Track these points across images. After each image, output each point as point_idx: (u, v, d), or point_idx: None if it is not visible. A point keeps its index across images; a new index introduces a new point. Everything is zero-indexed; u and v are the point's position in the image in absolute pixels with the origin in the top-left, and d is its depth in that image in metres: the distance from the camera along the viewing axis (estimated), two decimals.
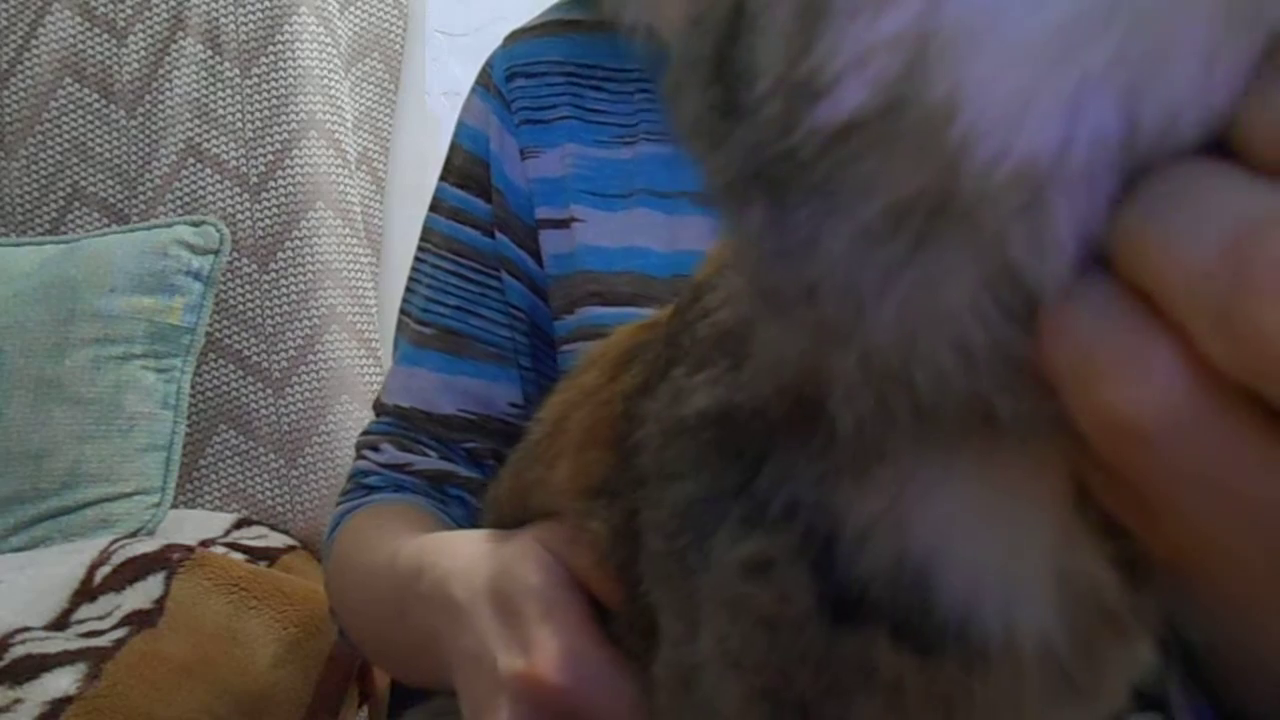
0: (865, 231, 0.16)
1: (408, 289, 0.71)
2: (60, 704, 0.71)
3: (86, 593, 0.89)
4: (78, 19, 1.32)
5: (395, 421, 0.67)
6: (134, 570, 0.91)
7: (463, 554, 0.46)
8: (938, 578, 0.23)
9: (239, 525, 1.16)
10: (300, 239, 1.28)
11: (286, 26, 1.31)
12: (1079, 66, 0.14)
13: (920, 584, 0.23)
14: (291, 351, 1.26)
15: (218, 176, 1.28)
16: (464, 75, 1.45)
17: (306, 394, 1.25)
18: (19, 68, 1.31)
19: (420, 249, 0.70)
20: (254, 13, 1.32)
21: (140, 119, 1.31)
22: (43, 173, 1.31)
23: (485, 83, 0.69)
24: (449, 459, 0.66)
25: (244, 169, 1.29)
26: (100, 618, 0.85)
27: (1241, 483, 0.15)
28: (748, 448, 0.27)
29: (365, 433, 0.70)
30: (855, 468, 0.23)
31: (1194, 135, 0.14)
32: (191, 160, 1.29)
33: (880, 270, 0.17)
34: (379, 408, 0.70)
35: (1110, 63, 0.14)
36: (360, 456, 0.68)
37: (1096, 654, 0.25)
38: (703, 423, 0.29)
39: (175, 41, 1.32)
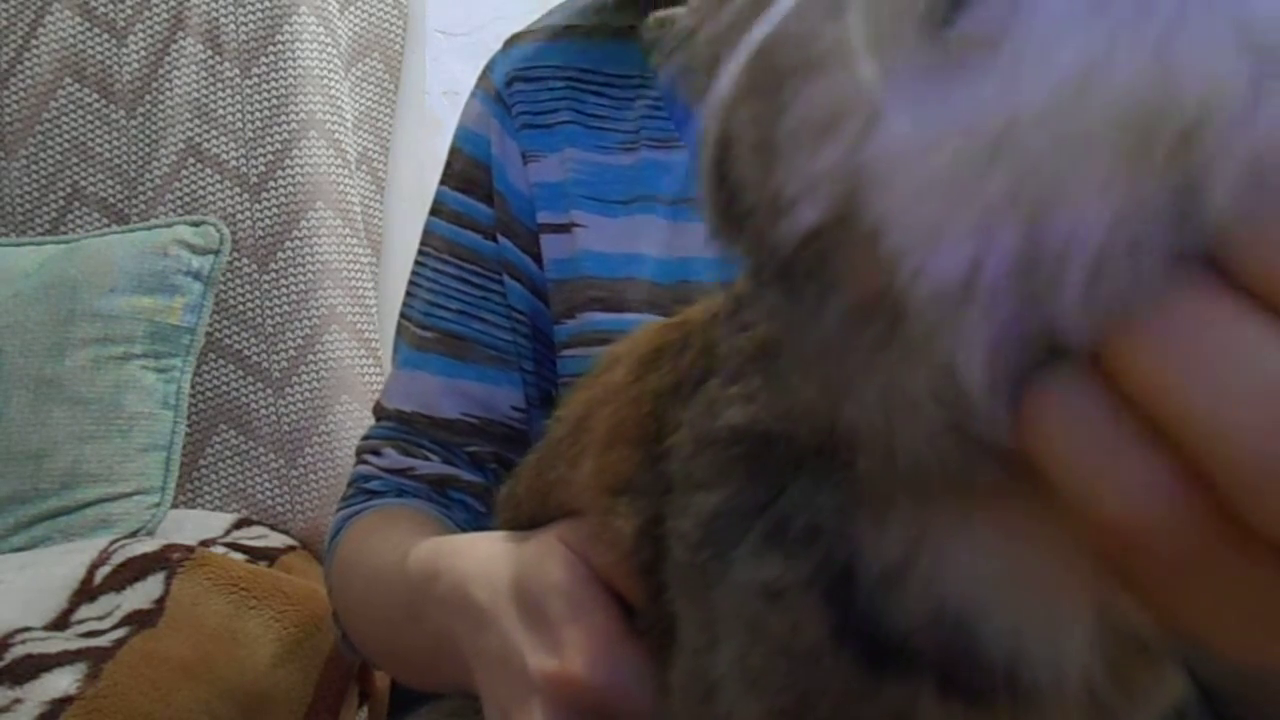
0: (852, 311, 0.18)
1: (408, 293, 0.71)
2: (60, 704, 0.71)
3: (86, 593, 0.89)
4: (78, 19, 1.32)
5: (397, 426, 0.67)
6: (134, 570, 0.91)
7: (480, 555, 0.46)
8: (979, 626, 0.23)
9: (239, 525, 1.16)
10: (300, 239, 1.28)
11: (286, 26, 1.31)
12: (978, 199, 0.15)
13: (963, 633, 0.23)
14: (291, 351, 1.26)
15: (218, 176, 1.28)
16: (464, 75, 1.45)
17: (306, 394, 1.25)
18: (19, 68, 1.31)
19: (421, 253, 0.70)
20: (254, 13, 1.32)
21: (140, 119, 1.31)
22: (43, 173, 1.30)
23: (485, 87, 0.69)
24: (452, 463, 0.66)
25: (244, 169, 1.29)
26: (100, 618, 0.85)
27: (1242, 572, 0.16)
28: (775, 467, 0.27)
29: (366, 437, 0.69)
30: (873, 507, 0.24)
31: (1110, 256, 0.15)
32: (191, 160, 1.29)
33: (865, 348, 0.18)
34: (379, 412, 0.70)
35: (1007, 195, 0.15)
36: (361, 461, 0.68)
37: (1133, 685, 0.25)
38: (734, 437, 0.29)
39: (175, 41, 1.32)
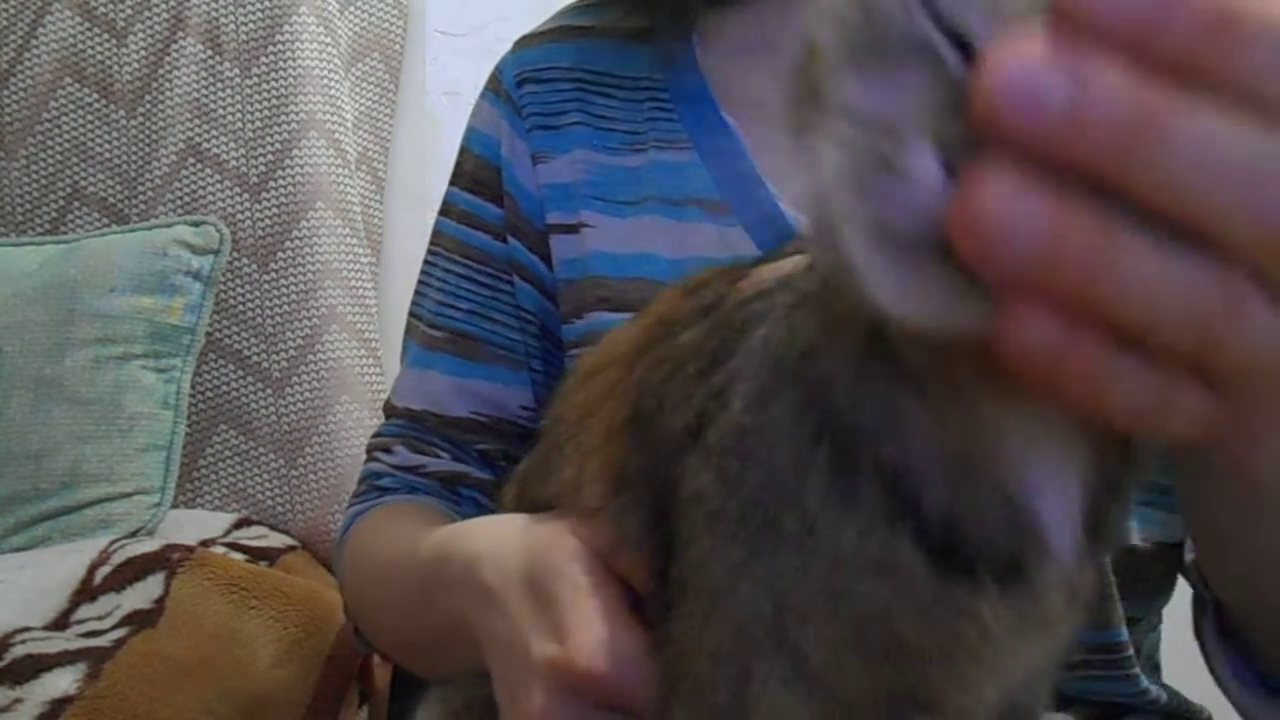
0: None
1: (417, 292, 0.71)
2: (60, 704, 0.71)
3: (86, 593, 0.89)
4: (78, 19, 1.32)
5: (407, 424, 0.68)
6: (134, 570, 0.91)
7: (492, 537, 0.46)
8: (1019, 495, 0.27)
9: (239, 525, 1.16)
10: (300, 239, 1.28)
11: (286, 26, 1.31)
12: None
13: (1009, 505, 0.27)
14: (291, 351, 1.26)
15: (218, 176, 1.28)
16: (464, 75, 1.46)
17: (306, 394, 1.25)
18: (19, 68, 1.31)
19: (430, 253, 0.70)
20: (254, 13, 1.32)
21: (140, 119, 1.31)
22: (43, 173, 1.30)
23: (495, 88, 0.69)
24: (462, 460, 0.66)
25: (244, 169, 1.29)
26: (100, 618, 0.85)
27: None
28: (827, 379, 0.30)
29: (376, 435, 0.70)
30: (929, 398, 0.28)
31: None
32: (191, 160, 1.29)
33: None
34: (389, 410, 0.70)
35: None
36: (372, 459, 0.68)
37: (1087, 571, 0.30)
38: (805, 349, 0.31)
39: (175, 41, 1.31)
